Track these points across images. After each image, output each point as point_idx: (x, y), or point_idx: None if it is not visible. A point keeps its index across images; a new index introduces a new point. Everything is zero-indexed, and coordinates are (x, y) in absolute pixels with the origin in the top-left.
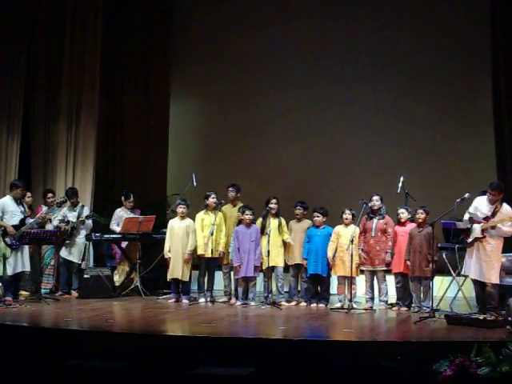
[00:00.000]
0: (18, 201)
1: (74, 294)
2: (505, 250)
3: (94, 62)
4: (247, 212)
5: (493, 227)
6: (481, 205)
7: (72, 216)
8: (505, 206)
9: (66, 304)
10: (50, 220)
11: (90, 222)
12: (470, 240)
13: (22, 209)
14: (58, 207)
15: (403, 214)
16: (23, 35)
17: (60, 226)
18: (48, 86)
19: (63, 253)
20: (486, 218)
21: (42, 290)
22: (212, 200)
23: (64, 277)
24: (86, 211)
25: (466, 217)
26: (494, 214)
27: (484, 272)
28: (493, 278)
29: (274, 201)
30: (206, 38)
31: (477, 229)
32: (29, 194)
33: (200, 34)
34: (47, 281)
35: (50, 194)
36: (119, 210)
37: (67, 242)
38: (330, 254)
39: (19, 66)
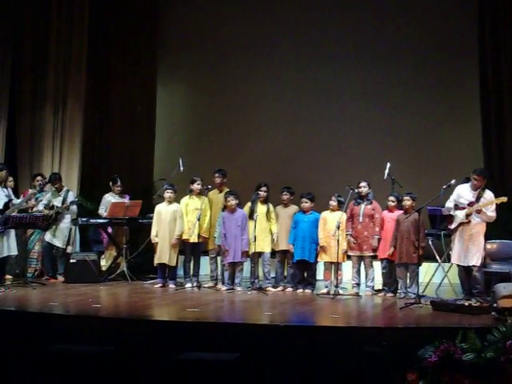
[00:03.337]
0: (2, 184)
1: (60, 278)
2: (490, 237)
3: (80, 48)
4: (229, 198)
5: (478, 211)
6: (463, 191)
7: (57, 201)
8: (488, 191)
9: (52, 288)
10: (36, 199)
11: (74, 207)
12: (453, 226)
13: (7, 192)
14: (41, 190)
15: (393, 202)
16: (8, 20)
17: (43, 210)
18: (34, 70)
19: (47, 237)
20: (471, 204)
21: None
22: (197, 186)
23: (48, 261)
24: (71, 196)
25: (451, 204)
26: (478, 199)
27: (467, 256)
28: (474, 260)
29: (263, 188)
30: (193, 24)
31: (459, 215)
32: (10, 179)
33: (187, 20)
34: (30, 265)
35: (38, 178)
36: (107, 195)
37: (53, 226)
38: (322, 242)
39: (5, 51)
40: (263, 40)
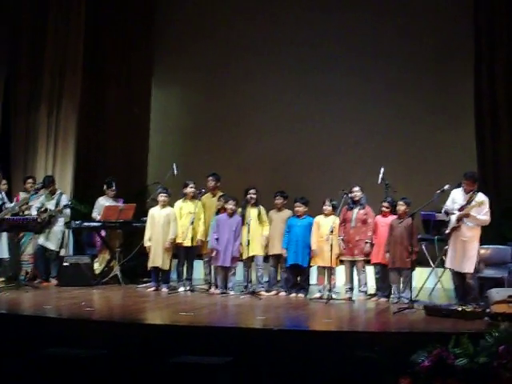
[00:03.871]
0: None
1: (53, 281)
2: (484, 242)
3: (76, 49)
4: (230, 202)
5: (467, 215)
6: (457, 196)
7: (50, 204)
8: (479, 194)
9: (45, 292)
10: (27, 203)
11: (67, 210)
12: (447, 231)
13: (0, 195)
14: (35, 193)
15: (387, 208)
16: (5, 22)
17: (38, 215)
18: (30, 72)
19: (40, 240)
20: (461, 208)
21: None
22: (190, 189)
23: (41, 264)
24: (64, 199)
25: (445, 209)
26: (468, 203)
27: (461, 262)
28: (467, 267)
29: (252, 191)
30: (189, 25)
31: (452, 219)
32: (4, 182)
33: (184, 21)
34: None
35: (29, 180)
36: (101, 198)
37: (46, 229)
38: (314, 246)
39: (1, 52)
40: (263, 40)
